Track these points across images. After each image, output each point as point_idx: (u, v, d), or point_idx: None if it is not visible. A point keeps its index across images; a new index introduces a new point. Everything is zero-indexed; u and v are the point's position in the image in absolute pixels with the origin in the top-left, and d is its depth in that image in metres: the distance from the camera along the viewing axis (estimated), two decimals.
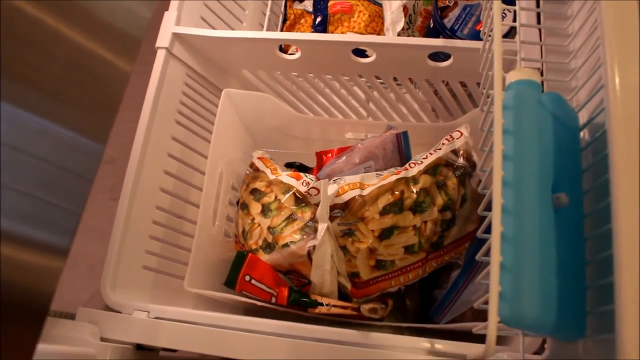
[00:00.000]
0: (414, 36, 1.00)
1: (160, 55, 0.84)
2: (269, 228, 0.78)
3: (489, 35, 0.61)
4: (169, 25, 0.85)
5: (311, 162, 0.96)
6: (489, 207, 0.51)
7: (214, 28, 0.96)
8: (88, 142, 0.36)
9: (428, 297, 0.83)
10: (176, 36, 0.85)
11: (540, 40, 0.72)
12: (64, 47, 0.35)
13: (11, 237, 0.33)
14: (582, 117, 0.62)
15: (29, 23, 0.33)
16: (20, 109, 0.32)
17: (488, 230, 0.52)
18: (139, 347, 0.71)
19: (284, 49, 0.87)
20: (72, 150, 0.35)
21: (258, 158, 0.88)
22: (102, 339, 0.69)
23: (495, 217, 0.47)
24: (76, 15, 0.35)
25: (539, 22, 0.74)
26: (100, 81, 0.37)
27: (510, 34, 0.85)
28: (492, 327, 0.45)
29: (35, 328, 0.34)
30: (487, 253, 0.49)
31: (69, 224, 0.35)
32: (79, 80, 0.36)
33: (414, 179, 0.75)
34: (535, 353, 0.61)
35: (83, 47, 0.36)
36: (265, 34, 0.86)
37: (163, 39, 0.84)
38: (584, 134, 0.61)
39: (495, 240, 0.46)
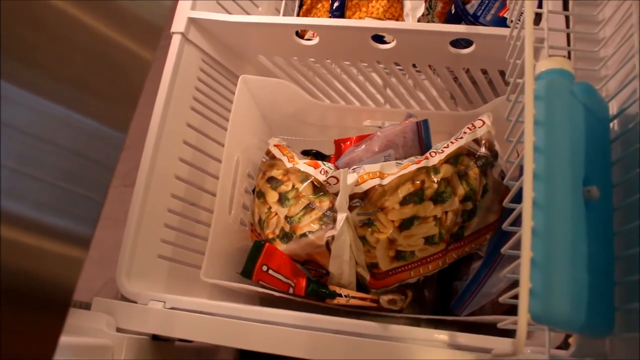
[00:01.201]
0: (434, 22, 0.98)
1: (176, 41, 0.82)
2: (286, 217, 0.76)
3: (518, 22, 0.59)
4: (184, 10, 0.84)
5: (327, 149, 0.95)
6: (515, 199, 0.50)
7: (229, 13, 0.95)
8: (110, 131, 0.35)
9: (446, 288, 0.82)
10: (192, 21, 0.84)
11: (568, 27, 0.70)
12: (86, 37, 0.34)
13: (35, 227, 0.32)
14: (612, 108, 0.61)
15: (53, 13, 0.32)
16: (45, 99, 0.32)
17: (515, 223, 0.50)
18: (155, 338, 0.70)
19: (300, 34, 0.85)
20: (95, 140, 0.35)
21: (274, 145, 0.87)
22: (118, 330, 0.68)
23: (526, 211, 0.45)
24: (98, 4, 0.34)
25: (565, 8, 0.72)
26: (122, 70, 0.36)
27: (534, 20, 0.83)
28: (522, 324, 0.44)
29: (58, 318, 0.34)
30: (515, 247, 0.48)
31: (91, 213, 0.34)
32: (101, 70, 0.35)
33: (435, 169, 0.73)
34: (558, 347, 0.59)
35: (105, 36, 0.35)
36: (282, 19, 0.84)
37: (178, 24, 0.83)
38: (613, 125, 0.59)
39: (526, 236, 0.45)
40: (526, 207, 0.46)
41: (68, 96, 0.33)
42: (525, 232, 0.45)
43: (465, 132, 0.76)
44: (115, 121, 0.35)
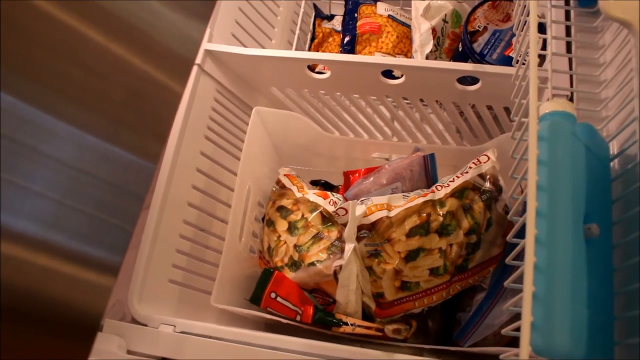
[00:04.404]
0: (441, 58, 1.01)
1: (192, 71, 0.85)
2: (295, 246, 0.78)
3: (523, 63, 0.62)
4: (201, 42, 0.86)
5: (335, 180, 0.97)
6: (518, 235, 0.52)
7: (244, 45, 0.98)
8: (142, 162, 0.37)
9: (450, 319, 0.83)
10: (208, 53, 0.87)
11: (570, 69, 0.73)
12: (126, 74, 0.36)
13: (72, 257, 0.34)
14: (613, 148, 0.63)
15: (97, 51, 0.34)
16: (88, 134, 0.34)
17: (518, 257, 0.52)
18: None
19: (311, 66, 0.88)
20: (128, 171, 0.37)
21: (285, 175, 0.89)
22: (129, 352, 0.70)
23: (529, 247, 0.47)
24: (137, 41, 0.37)
25: (568, 50, 0.75)
26: (155, 103, 0.38)
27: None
28: (524, 356, 0.45)
29: (87, 343, 0.35)
30: (517, 280, 0.50)
31: (122, 241, 0.36)
32: (137, 104, 0.37)
33: (441, 202, 0.75)
34: None
35: (142, 72, 0.37)
36: (295, 54, 0.87)
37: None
38: (614, 165, 0.61)
39: (528, 271, 0.47)
40: (529, 243, 0.48)
41: (108, 130, 0.35)
42: (528, 267, 0.47)
43: (470, 167, 0.78)
44: (147, 152, 0.37)
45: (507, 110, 0.85)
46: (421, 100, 0.89)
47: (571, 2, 0.73)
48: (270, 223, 0.85)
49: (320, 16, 1.15)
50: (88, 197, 0.35)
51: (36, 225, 0.33)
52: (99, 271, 0.36)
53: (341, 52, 1.06)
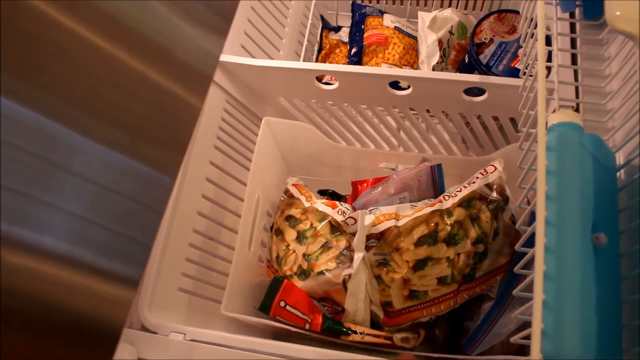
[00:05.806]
0: (447, 69, 1.02)
1: None
2: (304, 255, 0.79)
3: (530, 75, 0.63)
4: (219, 57, 0.87)
5: (342, 190, 0.98)
6: (527, 244, 0.53)
7: (253, 56, 0.99)
8: (161, 177, 0.38)
9: (457, 327, 0.84)
10: (218, 64, 0.88)
11: (576, 80, 0.74)
12: (148, 88, 0.37)
13: (94, 270, 0.35)
14: (619, 158, 0.64)
15: (120, 67, 0.35)
16: (111, 149, 0.35)
17: (526, 266, 0.53)
18: None
19: (318, 77, 0.89)
20: (148, 185, 0.37)
21: (293, 185, 0.90)
22: None
23: (539, 255, 0.48)
24: (158, 58, 0.38)
25: (574, 62, 0.76)
26: (175, 118, 0.39)
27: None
28: None
29: (107, 354, 0.36)
30: (526, 289, 0.50)
31: (142, 255, 0.37)
32: (158, 119, 0.38)
33: (449, 212, 0.76)
34: None
35: (163, 87, 0.38)
36: (304, 65, 0.88)
37: None
38: (620, 175, 0.62)
39: (538, 278, 0.48)
40: (538, 252, 0.48)
41: (129, 145, 0.36)
42: (538, 275, 0.48)
43: (477, 177, 0.79)
44: (167, 167, 0.38)
45: (513, 120, 0.86)
46: (427, 110, 0.90)
47: (577, 14, 0.73)
48: (278, 232, 0.86)
49: (328, 28, 1.17)
50: (110, 212, 0.35)
51: (62, 241, 0.34)
52: (118, 284, 0.36)
53: (348, 63, 1.07)
